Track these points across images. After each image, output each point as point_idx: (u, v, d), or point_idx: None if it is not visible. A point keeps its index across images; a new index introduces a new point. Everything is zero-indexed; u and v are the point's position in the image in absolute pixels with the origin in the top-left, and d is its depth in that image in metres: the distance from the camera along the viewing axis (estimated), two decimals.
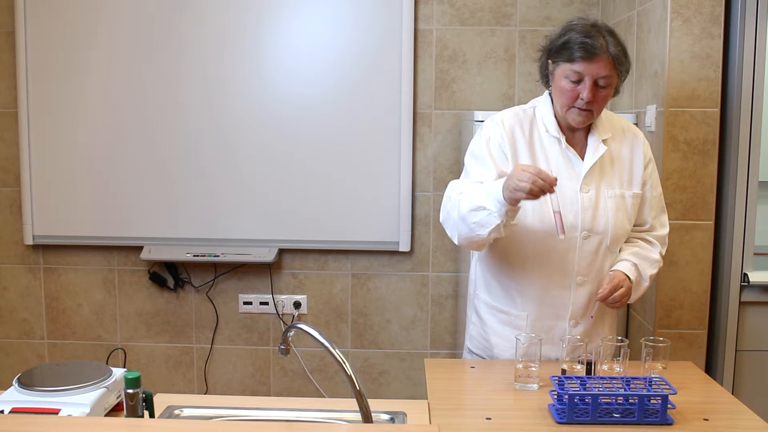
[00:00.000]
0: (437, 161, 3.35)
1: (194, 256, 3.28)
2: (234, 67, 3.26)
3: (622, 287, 1.91)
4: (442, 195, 3.30)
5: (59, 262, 3.45)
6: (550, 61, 1.93)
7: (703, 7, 2.45)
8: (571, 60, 1.84)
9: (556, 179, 1.73)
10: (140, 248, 3.34)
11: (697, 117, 2.49)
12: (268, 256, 3.28)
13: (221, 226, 3.33)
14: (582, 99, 1.85)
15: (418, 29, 3.28)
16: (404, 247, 3.34)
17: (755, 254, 2.56)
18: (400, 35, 3.22)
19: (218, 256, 3.28)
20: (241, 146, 3.29)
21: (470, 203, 1.84)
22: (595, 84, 1.85)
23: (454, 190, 1.97)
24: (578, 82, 1.85)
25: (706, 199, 2.52)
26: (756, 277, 2.54)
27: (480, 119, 2.75)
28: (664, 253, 2.06)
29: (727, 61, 2.50)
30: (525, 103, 2.09)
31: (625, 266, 1.97)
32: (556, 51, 1.89)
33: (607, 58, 1.83)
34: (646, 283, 2.00)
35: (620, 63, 1.85)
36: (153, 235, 3.34)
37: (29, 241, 3.38)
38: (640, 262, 1.99)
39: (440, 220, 2.02)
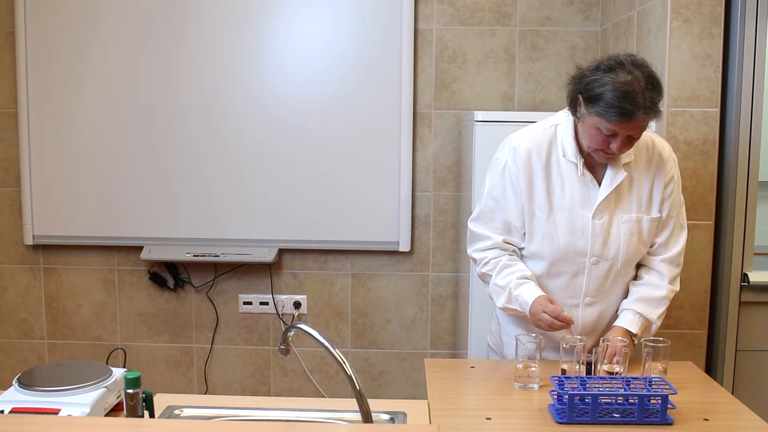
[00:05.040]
0: (437, 161, 3.35)
1: (194, 256, 3.28)
2: (234, 68, 3.25)
3: (615, 354, 1.85)
4: (442, 195, 3.34)
5: (59, 262, 3.45)
6: (582, 99, 1.82)
7: (703, 7, 2.45)
8: (607, 119, 1.75)
9: (572, 320, 1.87)
10: (140, 248, 3.34)
11: (697, 117, 2.49)
12: (268, 256, 3.28)
13: (221, 226, 3.33)
14: (612, 149, 1.81)
15: (418, 29, 3.27)
16: (404, 247, 3.34)
17: (755, 254, 2.56)
18: (400, 35, 3.22)
19: (218, 256, 3.28)
20: (241, 146, 3.29)
21: (504, 301, 1.99)
22: (627, 136, 1.79)
23: (479, 251, 2.05)
24: (611, 135, 1.79)
25: (706, 199, 2.52)
26: (756, 277, 2.54)
27: (480, 119, 2.75)
28: (676, 274, 2.01)
29: (727, 61, 2.50)
30: (524, 103, 2.08)
31: (627, 320, 1.95)
32: (591, 98, 1.78)
33: (645, 116, 1.74)
34: (655, 325, 1.98)
35: (656, 114, 1.76)
36: (153, 235, 3.34)
37: (29, 241, 3.38)
38: (644, 309, 1.96)
39: (470, 257, 2.11)
